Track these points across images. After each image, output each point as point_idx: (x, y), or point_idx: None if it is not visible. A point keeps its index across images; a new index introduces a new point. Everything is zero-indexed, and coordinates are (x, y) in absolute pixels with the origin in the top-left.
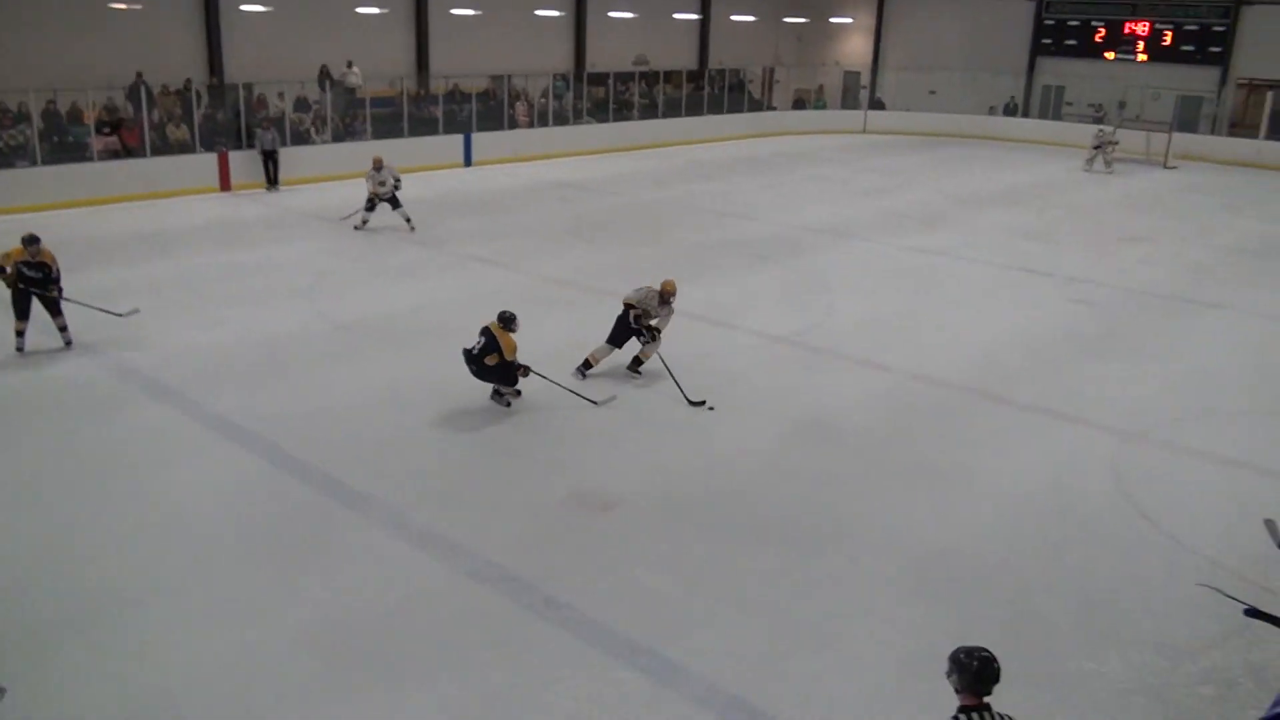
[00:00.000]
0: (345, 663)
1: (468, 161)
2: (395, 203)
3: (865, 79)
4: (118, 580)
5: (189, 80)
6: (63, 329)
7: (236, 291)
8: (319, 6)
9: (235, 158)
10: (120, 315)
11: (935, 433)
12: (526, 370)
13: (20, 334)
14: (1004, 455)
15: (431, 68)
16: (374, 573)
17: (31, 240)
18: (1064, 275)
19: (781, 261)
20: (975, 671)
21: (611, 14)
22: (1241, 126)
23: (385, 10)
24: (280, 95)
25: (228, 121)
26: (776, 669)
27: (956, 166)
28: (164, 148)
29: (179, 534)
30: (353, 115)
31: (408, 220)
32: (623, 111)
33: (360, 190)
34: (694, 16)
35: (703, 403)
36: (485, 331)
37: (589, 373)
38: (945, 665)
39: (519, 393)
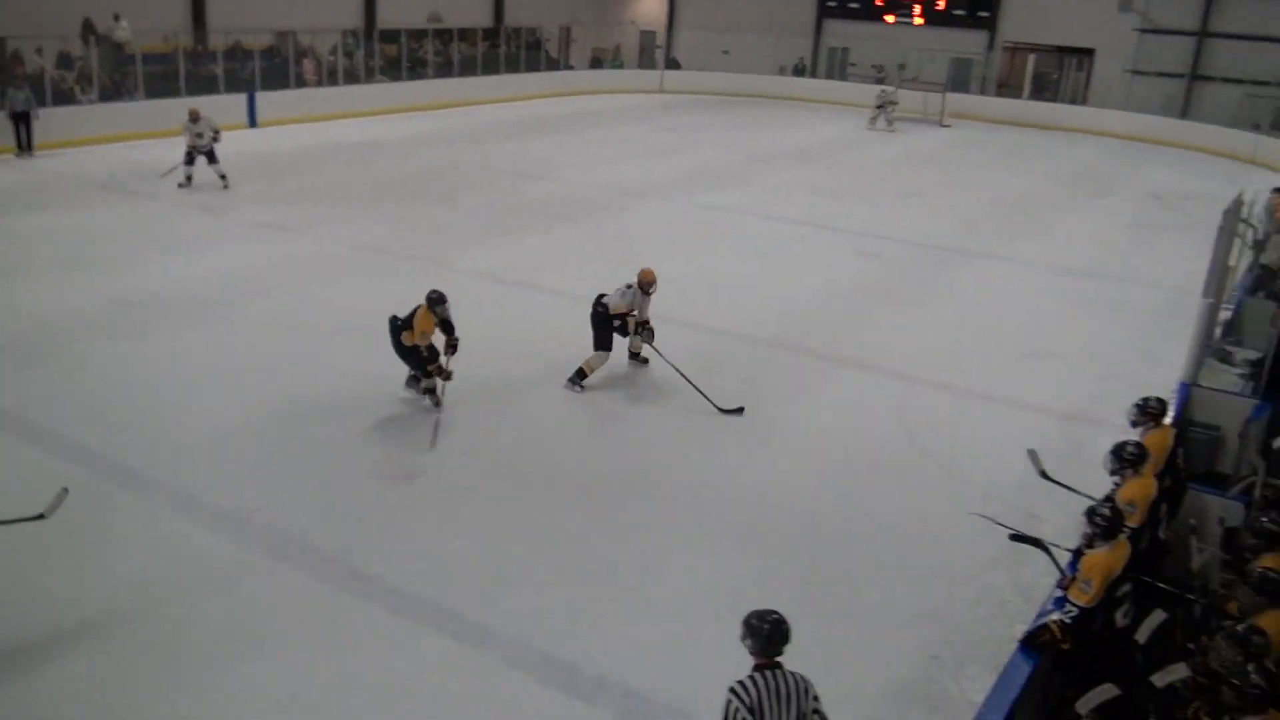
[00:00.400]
0: (137, 653)
1: (252, 123)
2: (212, 156)
3: (661, 39)
4: None
5: None
6: None
7: None
8: None
9: None
10: None
11: (737, 384)
12: (445, 373)
13: None
14: (800, 403)
15: (209, 22)
16: (162, 556)
17: None
18: (852, 230)
19: (581, 222)
20: (767, 635)
21: None
22: (1007, 87)
23: None
24: (39, 51)
25: None
26: (585, 622)
27: (750, 125)
28: None
29: None
30: (122, 73)
31: (223, 177)
32: (417, 70)
33: (176, 147)
34: None
35: (739, 409)
36: (414, 309)
37: (585, 383)
38: (745, 619)
39: (438, 403)
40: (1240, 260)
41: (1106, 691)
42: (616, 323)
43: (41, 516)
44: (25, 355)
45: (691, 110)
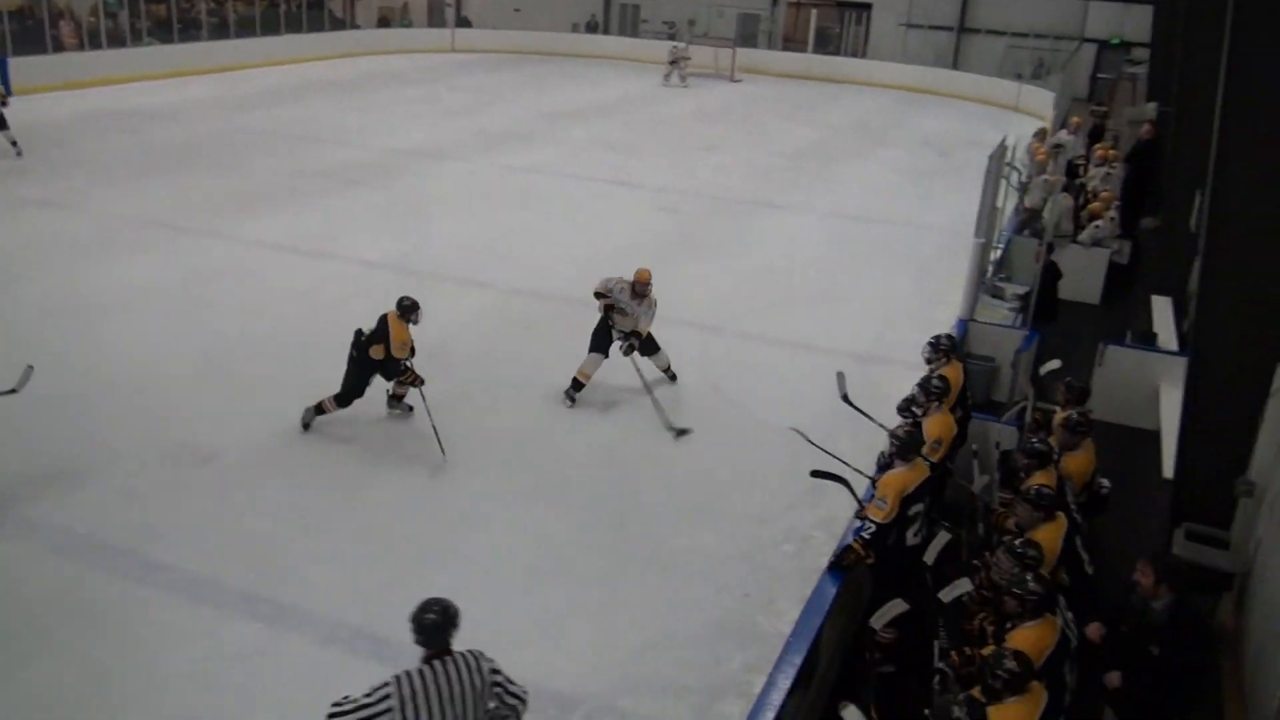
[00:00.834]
0: None
1: (5, 90)
2: (2, 122)
3: None
4: None
5: None
6: None
7: None
8: None
9: None
10: None
11: (541, 346)
12: (417, 379)
13: None
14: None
15: None
16: None
17: None
18: (651, 186)
19: (374, 186)
20: (436, 625)
21: None
22: (793, 42)
23: None
24: None
25: None
26: (400, 593)
27: (545, 83)
28: None
29: None
30: None
31: (14, 144)
32: (189, 31)
33: None
34: None
35: (686, 431)
36: (381, 319)
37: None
38: (410, 617)
39: (410, 407)
40: (1007, 202)
41: (896, 606)
42: (610, 325)
43: (14, 391)
44: None
45: (484, 69)
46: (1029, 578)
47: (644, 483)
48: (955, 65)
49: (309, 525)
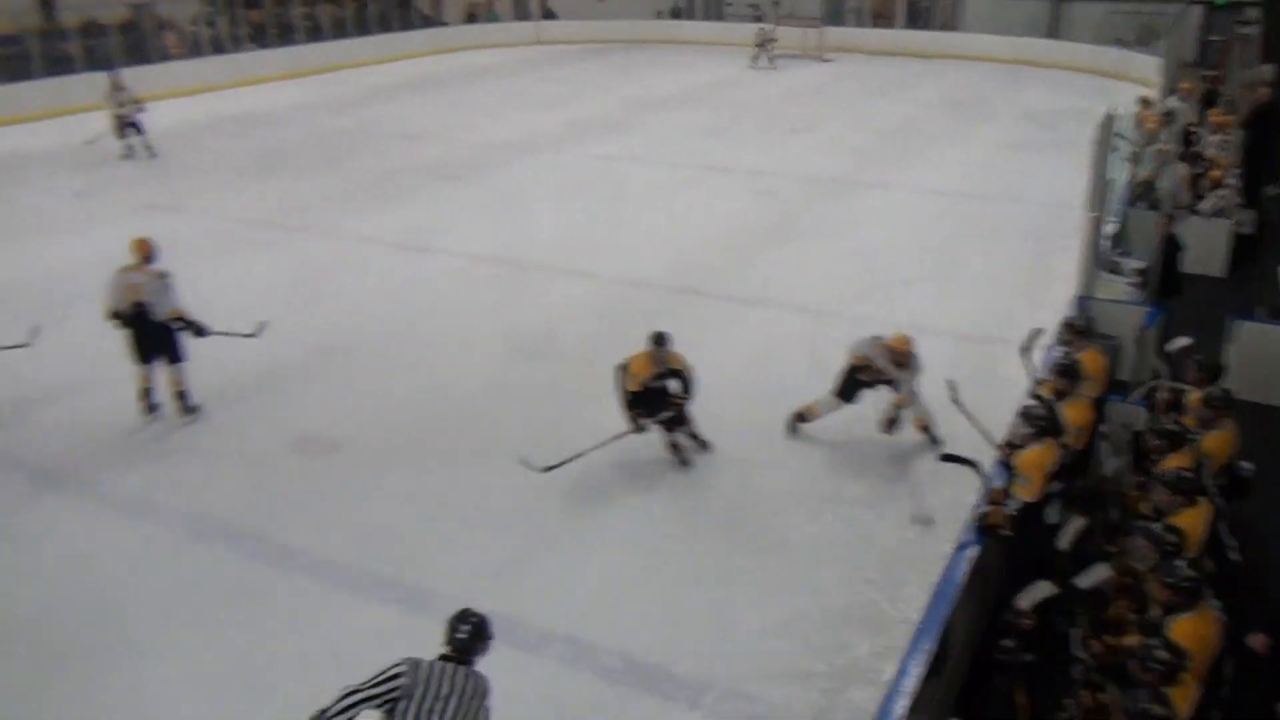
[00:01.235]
0: (68, 647)
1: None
2: (138, 127)
3: None
4: None
5: None
6: None
7: None
8: None
9: None
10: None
11: (644, 332)
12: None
13: None
14: (710, 345)
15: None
16: (84, 547)
17: None
18: (744, 169)
19: (471, 181)
20: (470, 634)
21: None
22: (882, 18)
23: None
24: None
25: None
26: (519, 575)
27: (631, 72)
28: None
29: None
30: None
31: (149, 148)
32: (286, 35)
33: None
34: None
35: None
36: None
37: (802, 426)
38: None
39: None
40: (1119, 173)
41: (1044, 589)
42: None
43: (252, 335)
44: None
45: (571, 60)
46: (1179, 564)
47: (758, 467)
48: (1053, 34)
49: (429, 511)
